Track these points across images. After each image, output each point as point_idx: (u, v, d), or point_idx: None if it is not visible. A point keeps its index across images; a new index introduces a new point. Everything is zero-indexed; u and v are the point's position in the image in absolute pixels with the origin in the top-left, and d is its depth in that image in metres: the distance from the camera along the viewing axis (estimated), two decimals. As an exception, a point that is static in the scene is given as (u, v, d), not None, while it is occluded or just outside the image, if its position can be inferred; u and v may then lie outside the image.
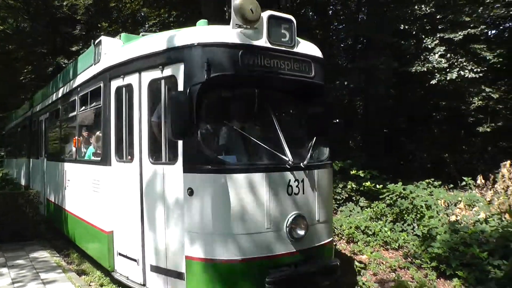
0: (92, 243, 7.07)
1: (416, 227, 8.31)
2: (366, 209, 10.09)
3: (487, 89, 14.47)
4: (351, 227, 8.88)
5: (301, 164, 5.17)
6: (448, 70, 14.39)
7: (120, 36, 6.74)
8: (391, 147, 16.39)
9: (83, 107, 7.65)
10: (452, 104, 15.23)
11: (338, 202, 11.13)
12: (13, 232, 9.01)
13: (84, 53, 8.32)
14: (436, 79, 14.53)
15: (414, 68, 14.76)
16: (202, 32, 5.07)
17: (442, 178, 11.82)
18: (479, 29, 14.24)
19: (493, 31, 16.34)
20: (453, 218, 7.97)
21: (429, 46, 14.75)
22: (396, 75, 15.21)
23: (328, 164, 5.73)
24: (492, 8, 14.29)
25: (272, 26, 5.10)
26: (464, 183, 10.70)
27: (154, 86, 5.45)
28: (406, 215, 8.73)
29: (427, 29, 15.13)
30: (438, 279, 6.68)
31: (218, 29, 5.10)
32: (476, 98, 14.71)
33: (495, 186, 9.42)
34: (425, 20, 15.17)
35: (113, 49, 6.46)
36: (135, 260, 5.71)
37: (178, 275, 5.06)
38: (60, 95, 9.44)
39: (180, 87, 4.95)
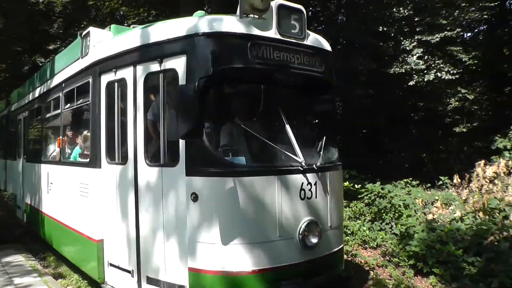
0: (79, 252, 6.22)
1: (394, 226, 8.12)
2: (344, 209, 9.70)
3: (463, 90, 14.51)
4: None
5: (314, 165, 4.56)
6: (425, 71, 14.44)
7: (109, 27, 5.96)
8: (370, 147, 16.10)
9: (68, 105, 6.77)
10: (429, 105, 15.19)
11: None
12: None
13: (69, 47, 7.39)
14: (414, 81, 14.56)
15: (392, 69, 14.65)
16: (207, 21, 4.37)
17: (420, 178, 11.63)
18: (455, 31, 14.37)
19: (469, 34, 16.35)
20: (430, 216, 7.91)
21: (407, 48, 14.75)
22: (375, 76, 14.94)
23: (339, 165, 5.15)
24: (467, 11, 14.37)
25: (282, 16, 4.46)
26: (441, 182, 10.63)
27: (151, 80, 4.73)
28: (384, 214, 8.54)
29: (406, 31, 15.06)
30: (416, 277, 6.54)
31: (224, 18, 4.43)
32: (453, 99, 14.71)
33: (471, 185, 9.37)
34: (403, 22, 15.11)
35: (103, 41, 5.70)
36: (129, 272, 4.98)
37: (179, 288, 4.38)
38: (41, 92, 8.46)
39: (182, 82, 4.28)
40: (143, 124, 4.80)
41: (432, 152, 15.24)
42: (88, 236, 5.67)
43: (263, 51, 4.33)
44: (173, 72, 4.44)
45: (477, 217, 7.47)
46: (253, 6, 4.23)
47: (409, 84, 14.52)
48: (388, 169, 14.96)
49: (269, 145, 4.58)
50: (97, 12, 18.57)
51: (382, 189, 9.18)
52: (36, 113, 9.06)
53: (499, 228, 6.69)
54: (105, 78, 5.35)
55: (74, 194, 6.21)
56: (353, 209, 9.24)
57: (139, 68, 4.81)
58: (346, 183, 9.85)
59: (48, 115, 7.96)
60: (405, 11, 14.78)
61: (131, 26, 6.26)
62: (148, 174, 4.71)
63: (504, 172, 9.02)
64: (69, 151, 6.91)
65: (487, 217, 7.38)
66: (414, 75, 14.41)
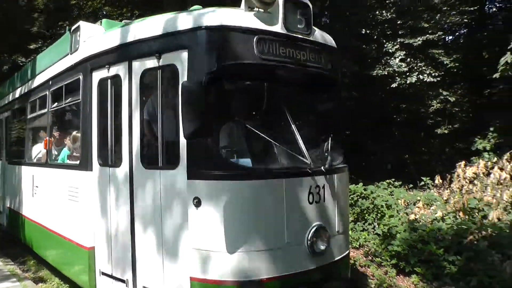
0: (68, 260, 5.68)
1: (377, 226, 8.02)
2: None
3: (445, 93, 14.53)
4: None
5: (322, 168, 4.23)
6: (408, 74, 14.42)
7: (101, 22, 5.49)
8: (353, 148, 15.92)
9: (56, 103, 6.22)
10: (412, 106, 15.17)
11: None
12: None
13: (56, 42, 6.80)
14: (397, 83, 14.52)
15: (375, 71, 14.56)
16: (210, 14, 3.98)
17: (403, 178, 11.62)
18: (437, 35, 14.42)
19: (450, 37, 16.40)
20: (412, 217, 7.86)
21: (390, 50, 14.70)
22: (359, 78, 14.79)
23: (346, 167, 4.82)
24: (448, 15, 14.42)
25: (289, 11, 4.09)
26: (423, 183, 10.65)
27: (148, 77, 4.31)
28: (367, 214, 8.43)
29: (388, 34, 15.00)
30: (398, 276, 6.54)
31: (228, 11, 4.06)
32: (435, 101, 14.72)
33: (452, 185, 9.32)
34: (386, 25, 15.03)
35: (94, 36, 5.22)
36: (123, 281, 4.54)
37: (180, 299, 3.97)
38: (25, 90, 7.85)
39: (182, 78, 3.88)
40: (138, 123, 4.37)
41: (415, 153, 15.20)
42: (78, 243, 5.17)
43: (269, 47, 3.97)
44: (172, 68, 4.04)
45: (458, 217, 7.49)
46: (260, -1, 3.87)
47: (391, 86, 14.48)
48: (371, 170, 14.84)
49: (275, 146, 4.23)
50: (79, 11, 17.85)
51: (365, 189, 9.08)
52: (19, 113, 8.44)
53: (478, 227, 6.74)
54: (97, 75, 4.88)
55: (62, 198, 5.68)
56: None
57: (135, 63, 4.37)
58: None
59: (33, 115, 7.38)
60: (388, 14, 14.76)
61: (123, 22, 5.79)
62: (144, 177, 4.28)
63: (483, 173, 8.98)
64: (56, 153, 6.38)
65: (467, 216, 7.43)
66: (397, 78, 14.38)
